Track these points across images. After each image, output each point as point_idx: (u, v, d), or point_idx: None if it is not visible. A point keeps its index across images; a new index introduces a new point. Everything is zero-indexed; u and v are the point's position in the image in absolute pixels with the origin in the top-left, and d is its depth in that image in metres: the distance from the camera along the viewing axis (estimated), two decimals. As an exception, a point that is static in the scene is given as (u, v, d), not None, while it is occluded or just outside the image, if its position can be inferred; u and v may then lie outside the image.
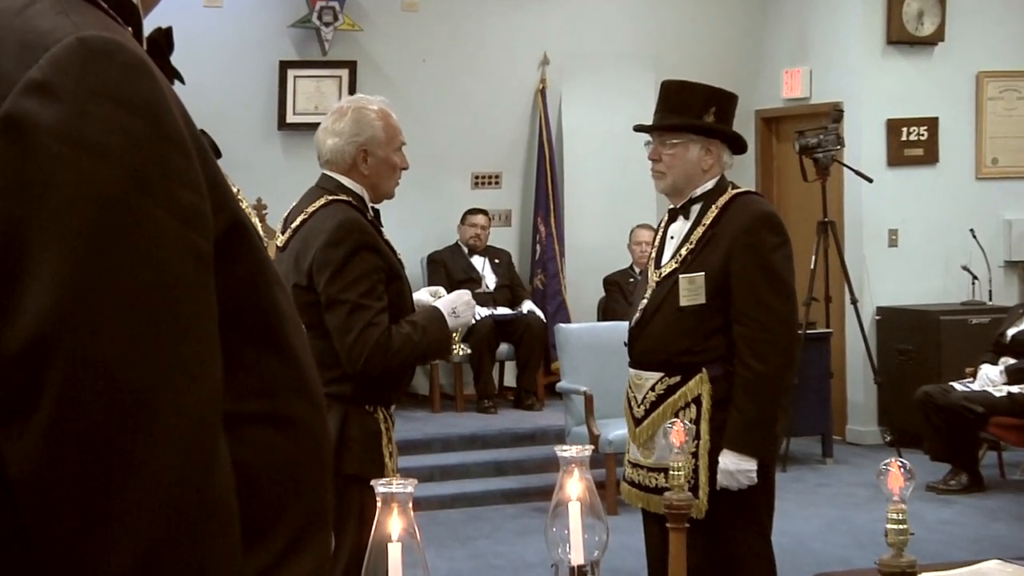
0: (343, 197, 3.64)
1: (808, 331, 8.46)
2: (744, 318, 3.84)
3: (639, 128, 4.17)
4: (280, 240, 3.75)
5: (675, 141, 4.00)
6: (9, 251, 0.96)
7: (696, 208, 4.02)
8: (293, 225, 3.69)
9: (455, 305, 3.70)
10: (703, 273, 3.90)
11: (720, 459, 3.84)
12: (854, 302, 8.73)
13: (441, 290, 3.85)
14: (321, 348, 3.57)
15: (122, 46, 1.04)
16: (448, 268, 9.66)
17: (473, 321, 3.80)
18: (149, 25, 1.20)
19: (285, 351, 1.15)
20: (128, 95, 1.02)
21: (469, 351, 3.98)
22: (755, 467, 3.83)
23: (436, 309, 3.68)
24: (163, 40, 1.17)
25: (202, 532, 0.99)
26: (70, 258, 0.97)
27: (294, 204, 3.79)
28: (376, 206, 3.74)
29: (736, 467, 3.82)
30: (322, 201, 3.65)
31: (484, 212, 9.85)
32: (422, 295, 3.81)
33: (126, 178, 0.99)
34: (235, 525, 1.03)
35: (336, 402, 3.57)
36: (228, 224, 1.09)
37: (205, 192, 1.05)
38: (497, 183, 10.29)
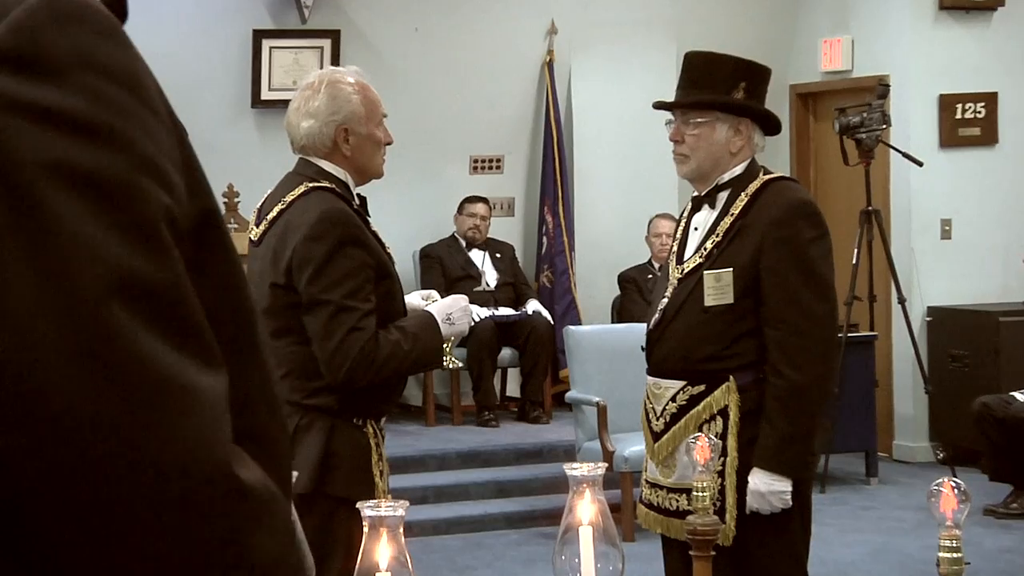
0: (325, 184, 3.63)
1: (850, 335, 8.46)
2: (777, 320, 3.84)
3: (659, 105, 4.17)
4: (254, 233, 3.73)
5: (700, 120, 4.00)
6: None
7: (723, 196, 4.02)
8: (269, 216, 3.67)
9: (451, 311, 3.70)
10: (731, 269, 3.90)
11: (750, 479, 3.85)
12: (902, 302, 8.73)
13: (435, 294, 3.86)
14: (302, 355, 3.57)
15: (93, 7, 1.05)
16: (443, 264, 9.67)
17: (467, 330, 3.80)
18: None
19: (259, 362, 1.16)
20: (103, 62, 1.03)
21: (461, 364, 4.00)
22: (789, 488, 3.84)
23: (429, 315, 3.68)
24: (115, 6, 1.18)
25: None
26: (31, 258, 0.97)
27: (269, 193, 3.78)
28: (363, 194, 3.74)
29: (768, 488, 3.82)
30: (301, 189, 3.64)
31: (484, 200, 9.85)
32: (414, 299, 3.81)
33: (107, 151, 1.01)
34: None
35: (321, 416, 3.57)
36: (201, 212, 1.11)
37: (180, 170, 1.08)
38: (498, 168, 10.30)
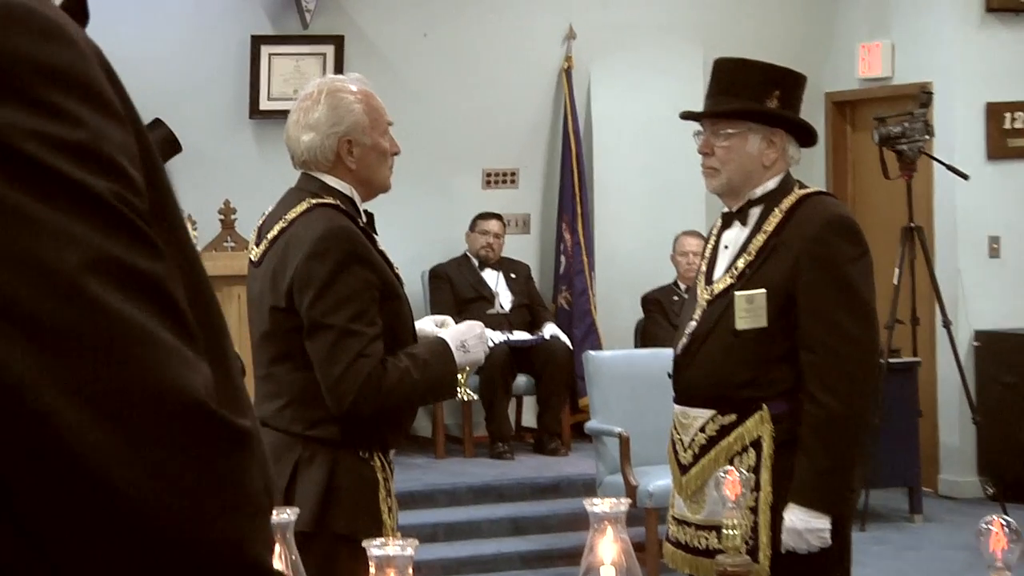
0: (329, 200, 3.63)
1: (891, 360, 8.44)
2: (814, 344, 3.84)
3: (687, 115, 4.18)
4: (254, 253, 3.73)
5: (730, 131, 4.01)
6: None
7: (756, 212, 4.02)
8: (269, 236, 3.68)
9: (465, 337, 3.69)
10: (764, 290, 3.90)
11: (785, 515, 3.84)
12: (947, 325, 8.71)
13: (448, 320, 3.84)
14: (303, 382, 3.56)
15: (33, 11, 1.07)
16: (454, 284, 9.67)
17: (483, 358, 3.79)
18: None
19: (229, 378, 1.19)
20: (47, 66, 1.05)
21: (475, 397, 4.00)
22: (828, 525, 3.83)
23: (442, 341, 3.67)
24: (75, 8, 1.20)
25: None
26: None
27: (269, 210, 3.78)
28: (370, 210, 3.74)
29: (805, 525, 3.81)
30: (303, 206, 3.64)
31: (498, 217, 9.86)
32: (426, 325, 3.80)
33: (60, 156, 1.04)
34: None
35: (323, 447, 3.57)
36: (158, 208, 1.14)
37: (138, 165, 1.11)
38: (513, 182, 10.31)
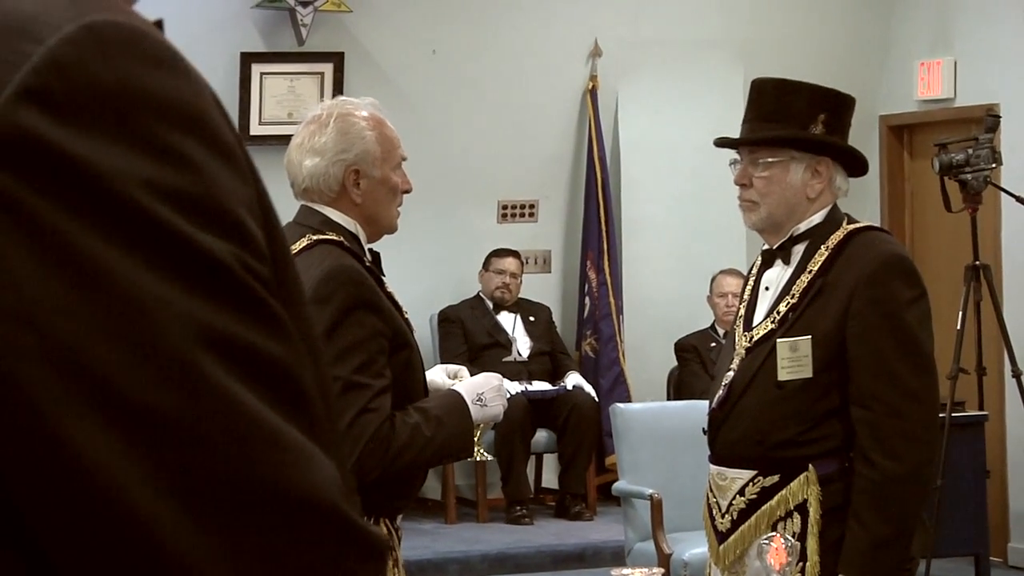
0: (331, 236, 3.63)
1: (955, 415, 8.41)
2: (868, 399, 3.84)
3: (722, 143, 4.19)
4: None
5: (771, 160, 4.01)
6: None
7: (799, 249, 4.03)
8: None
9: (481, 391, 3.68)
10: (809, 337, 3.90)
11: None
12: (1017, 375, 8.68)
13: (463, 371, 3.84)
14: None
15: (145, 34, 1.03)
16: (467, 329, 9.68)
17: (501, 414, 3.78)
18: None
19: (340, 454, 1.18)
20: (162, 101, 1.02)
21: (490, 457, 4.00)
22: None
23: (456, 395, 3.67)
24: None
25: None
26: (104, 320, 0.98)
27: None
28: (375, 248, 3.75)
29: None
30: (304, 242, 3.63)
31: (514, 254, 9.88)
32: (437, 375, 3.80)
33: (175, 211, 1.00)
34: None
35: None
36: (276, 264, 1.10)
37: (258, 218, 1.07)
38: (532, 215, 10.33)
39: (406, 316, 3.70)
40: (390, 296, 3.66)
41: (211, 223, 1.01)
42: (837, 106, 4.09)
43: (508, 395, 3.81)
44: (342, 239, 3.63)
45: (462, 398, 3.66)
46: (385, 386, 3.54)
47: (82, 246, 0.97)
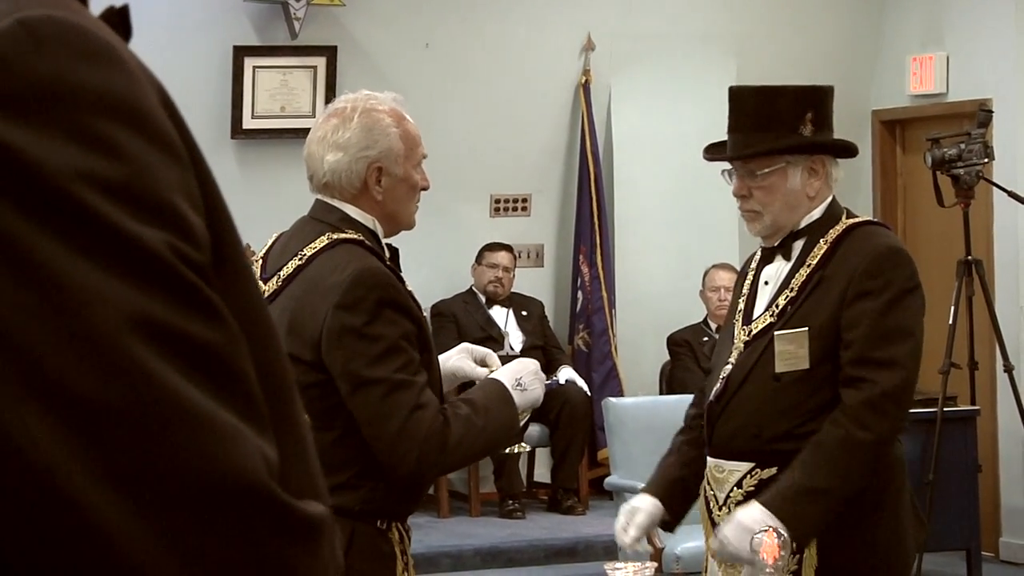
0: (351, 234, 3.58)
1: (947, 410, 8.41)
2: (860, 381, 3.83)
3: (713, 158, 4.19)
4: (264, 290, 3.64)
5: (767, 170, 4.01)
6: None
7: (799, 244, 4.03)
8: (283, 273, 3.61)
9: (519, 375, 3.64)
10: (806, 329, 3.90)
11: (738, 510, 3.81)
12: (1009, 370, 8.68)
13: (492, 356, 3.77)
14: (319, 443, 3.52)
15: (81, 29, 1.05)
16: (459, 323, 9.67)
17: (541, 397, 3.70)
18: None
19: (298, 441, 1.17)
20: (97, 93, 1.03)
21: (528, 448, 3.97)
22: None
23: (498, 383, 3.62)
24: (118, 21, 1.18)
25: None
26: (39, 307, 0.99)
27: (277, 239, 3.72)
28: (392, 243, 3.71)
29: (753, 524, 3.73)
30: (324, 241, 3.58)
31: (507, 248, 9.87)
32: (460, 363, 3.74)
33: (109, 202, 1.01)
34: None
35: (340, 519, 3.54)
36: (221, 252, 1.11)
37: (199, 206, 1.08)
38: (525, 209, 10.32)
39: (424, 315, 3.67)
40: (410, 294, 3.61)
41: (144, 212, 1.02)
42: (820, 101, 4.09)
43: (545, 380, 3.78)
44: (362, 238, 3.58)
45: (504, 386, 3.61)
46: (426, 382, 3.50)
47: (15, 235, 0.99)
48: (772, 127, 4.01)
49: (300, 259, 3.58)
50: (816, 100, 4.08)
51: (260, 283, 3.65)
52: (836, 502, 3.83)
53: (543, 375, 3.76)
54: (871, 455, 3.85)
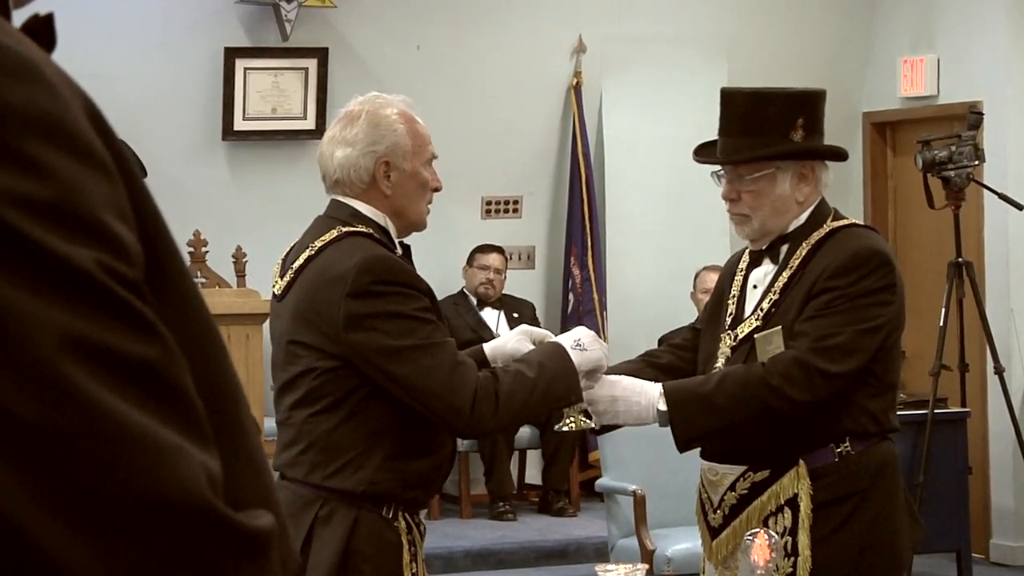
0: (360, 228, 3.64)
1: (937, 411, 8.41)
2: (797, 335, 3.83)
3: (703, 161, 4.19)
4: (277, 287, 3.74)
5: (756, 175, 4.01)
6: None
7: (786, 248, 4.03)
8: (295, 266, 3.67)
9: (577, 337, 3.69)
10: (779, 328, 3.92)
11: (640, 381, 3.84)
12: (999, 372, 8.68)
13: (550, 336, 3.79)
14: (325, 424, 3.56)
15: (1, 45, 1.03)
16: (451, 325, 9.60)
17: (604, 359, 3.74)
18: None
19: (244, 450, 1.16)
20: (18, 111, 1.01)
21: (593, 425, 3.96)
22: (651, 419, 3.84)
23: (554, 343, 3.68)
24: (42, 30, 1.15)
25: None
26: None
27: (297, 241, 3.79)
28: (404, 241, 3.76)
29: (639, 399, 3.79)
30: (333, 234, 3.64)
31: (498, 250, 9.86)
32: (520, 344, 3.73)
33: (34, 221, 0.99)
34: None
35: (343, 503, 3.56)
36: (157, 265, 1.10)
37: (128, 218, 1.06)
38: (516, 211, 10.31)
39: (434, 294, 3.73)
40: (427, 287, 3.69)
41: (71, 230, 1.00)
42: (811, 105, 4.09)
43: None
44: (371, 231, 3.64)
45: (559, 344, 3.66)
46: (447, 338, 3.55)
47: None
48: (763, 132, 4.01)
49: (311, 251, 3.66)
50: (808, 105, 4.07)
51: (277, 278, 3.74)
52: (723, 425, 3.84)
53: (604, 343, 3.81)
54: (774, 407, 3.81)
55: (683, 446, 3.95)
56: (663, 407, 3.83)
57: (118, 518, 1.00)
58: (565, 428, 3.83)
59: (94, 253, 1.02)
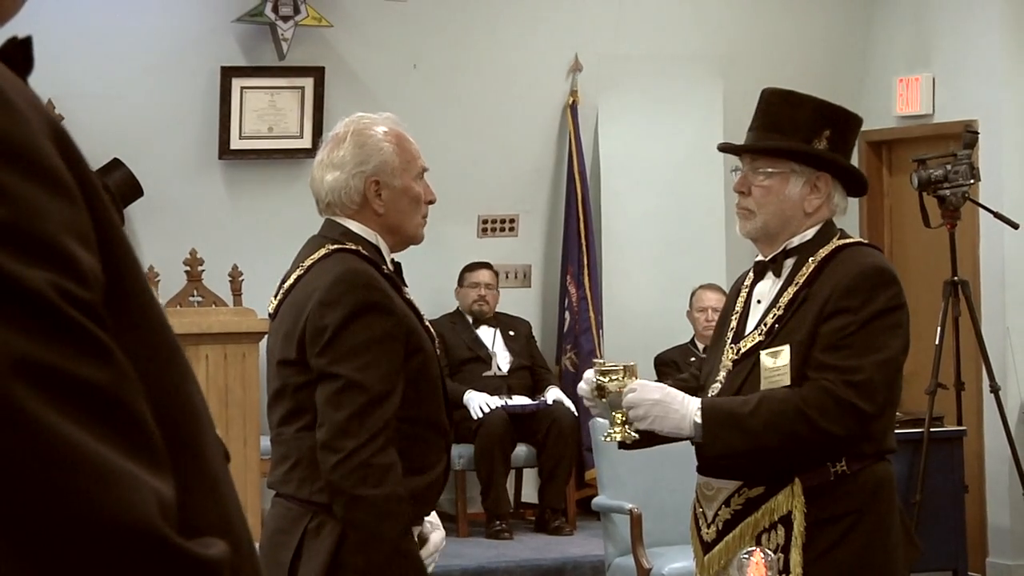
0: (349, 246, 3.68)
1: (933, 430, 8.41)
2: (823, 367, 3.83)
3: (724, 148, 4.21)
4: (271, 306, 3.82)
5: (771, 170, 4.01)
6: None
7: (790, 263, 4.03)
8: (286, 285, 3.75)
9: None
10: (787, 347, 3.91)
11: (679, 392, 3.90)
12: (995, 391, 8.68)
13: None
14: (313, 440, 3.58)
15: None
16: (447, 343, 9.64)
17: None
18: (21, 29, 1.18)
19: (205, 474, 1.15)
20: None
21: (637, 436, 3.99)
22: (684, 431, 3.86)
23: None
24: (17, 55, 1.15)
25: None
26: None
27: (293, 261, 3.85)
28: (397, 258, 3.80)
29: (679, 402, 3.82)
30: (321, 252, 3.70)
31: (487, 266, 9.85)
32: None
33: None
34: None
35: (331, 517, 3.57)
36: (118, 287, 1.10)
37: (90, 241, 1.06)
38: (512, 230, 10.31)
39: (427, 324, 3.76)
40: (410, 303, 3.72)
41: (26, 252, 1.00)
42: (842, 123, 4.09)
43: (487, 408, 3.92)
44: (359, 248, 3.68)
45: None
46: (386, 391, 3.54)
47: None
48: (788, 132, 4.03)
49: (301, 270, 3.71)
50: (837, 121, 4.08)
51: (272, 298, 3.79)
52: (750, 448, 3.85)
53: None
54: (805, 436, 3.82)
55: (704, 463, 3.96)
56: (699, 419, 3.84)
57: (63, 543, 0.98)
58: (610, 440, 3.92)
59: (49, 275, 1.01)
